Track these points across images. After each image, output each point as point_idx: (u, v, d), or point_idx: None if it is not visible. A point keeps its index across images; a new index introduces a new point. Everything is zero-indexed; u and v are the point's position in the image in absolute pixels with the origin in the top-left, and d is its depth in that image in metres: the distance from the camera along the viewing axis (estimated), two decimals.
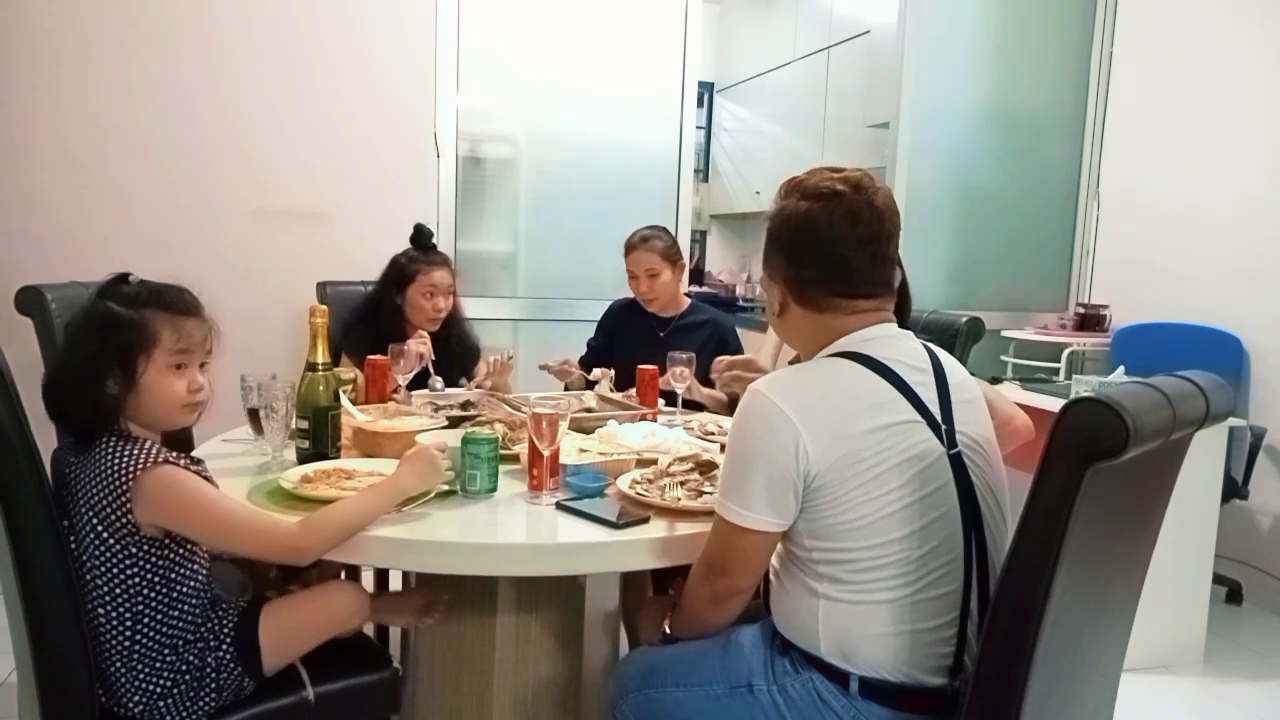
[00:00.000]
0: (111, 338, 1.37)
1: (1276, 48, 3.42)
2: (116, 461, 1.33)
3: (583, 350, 2.95)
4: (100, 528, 1.34)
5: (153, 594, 1.38)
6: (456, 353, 2.68)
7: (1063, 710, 1.25)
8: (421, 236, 2.73)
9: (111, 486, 1.32)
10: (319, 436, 1.76)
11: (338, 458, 1.78)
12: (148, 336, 1.38)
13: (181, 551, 1.41)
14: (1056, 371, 3.79)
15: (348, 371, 2.28)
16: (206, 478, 1.44)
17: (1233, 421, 2.98)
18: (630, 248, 2.84)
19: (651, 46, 3.73)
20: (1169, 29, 3.87)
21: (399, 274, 2.67)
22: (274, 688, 1.50)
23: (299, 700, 1.50)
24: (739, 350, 2.82)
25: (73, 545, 1.36)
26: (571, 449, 1.83)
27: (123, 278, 1.44)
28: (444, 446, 1.59)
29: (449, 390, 2.49)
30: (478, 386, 2.63)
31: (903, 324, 1.44)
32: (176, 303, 1.43)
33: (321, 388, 1.76)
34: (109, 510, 1.33)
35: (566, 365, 2.73)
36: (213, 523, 1.38)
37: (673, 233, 2.96)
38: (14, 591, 1.31)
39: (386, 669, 1.63)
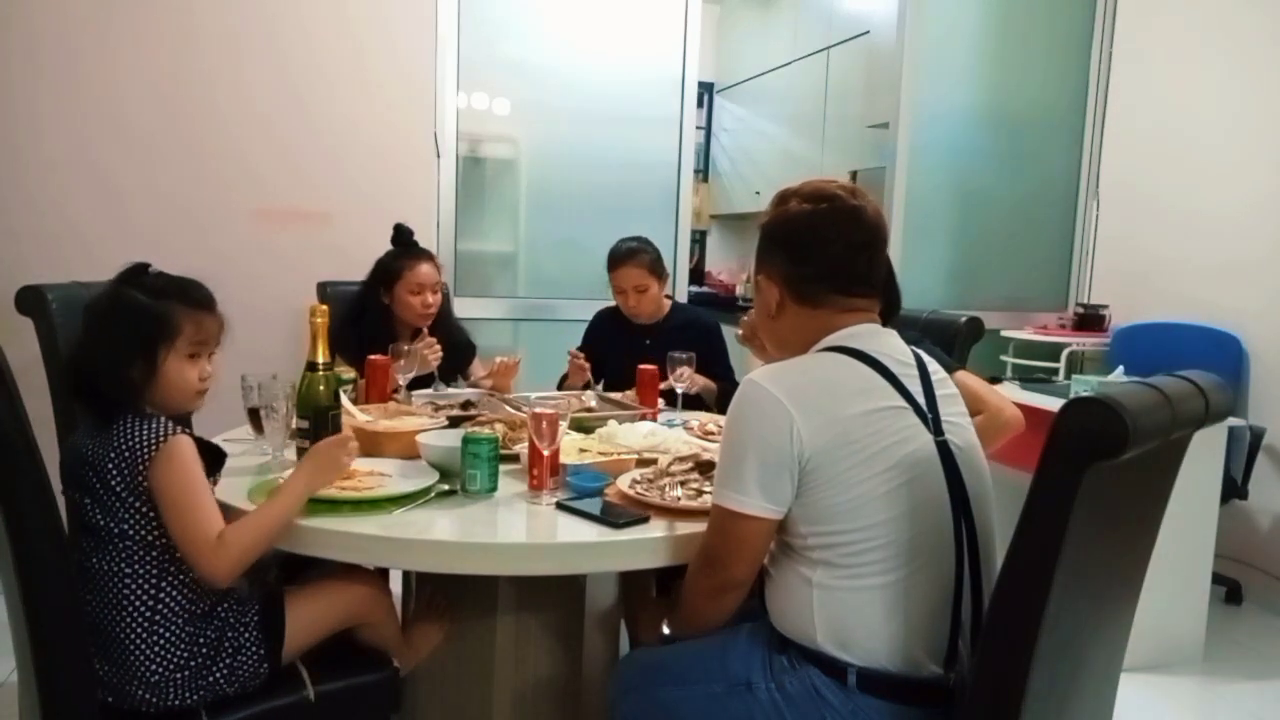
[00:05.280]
0: (138, 326, 1.46)
1: (1275, 47, 3.42)
2: (141, 433, 1.42)
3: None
4: (125, 493, 1.41)
5: (178, 552, 1.43)
6: (449, 348, 2.68)
7: (1062, 710, 1.25)
8: (401, 235, 2.71)
9: (137, 453, 1.41)
10: (319, 436, 1.75)
11: None
12: (171, 328, 1.48)
13: None
14: (1056, 371, 3.79)
15: (348, 371, 2.28)
16: (218, 465, 1.52)
17: (1232, 421, 2.98)
18: (617, 263, 2.75)
19: (651, 47, 3.73)
20: (1168, 29, 3.87)
21: (384, 273, 2.66)
22: (276, 686, 1.51)
23: (300, 699, 1.52)
24: (723, 348, 2.82)
25: (98, 517, 1.42)
26: (571, 449, 1.83)
27: (143, 267, 1.53)
28: (349, 438, 1.59)
29: (450, 390, 2.49)
30: (475, 384, 2.63)
31: (889, 322, 1.49)
32: (197, 297, 1.53)
33: (322, 387, 1.76)
34: (133, 475, 1.41)
35: (581, 365, 2.69)
36: (177, 494, 1.41)
37: (655, 242, 2.86)
38: (14, 590, 1.31)
39: (386, 669, 1.64)
